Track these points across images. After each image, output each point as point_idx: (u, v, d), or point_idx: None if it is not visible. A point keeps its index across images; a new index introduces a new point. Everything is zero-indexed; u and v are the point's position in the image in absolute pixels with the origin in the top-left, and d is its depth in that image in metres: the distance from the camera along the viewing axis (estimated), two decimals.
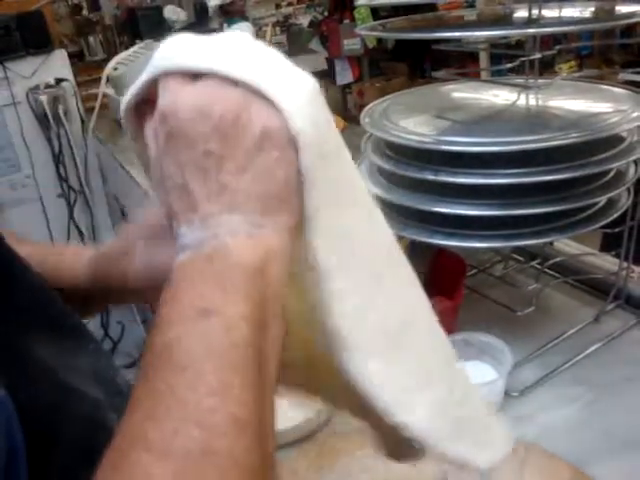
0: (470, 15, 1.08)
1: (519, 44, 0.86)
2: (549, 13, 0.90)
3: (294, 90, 0.35)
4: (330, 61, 5.30)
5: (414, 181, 0.81)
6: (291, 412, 0.79)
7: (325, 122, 0.37)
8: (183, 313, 0.32)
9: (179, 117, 0.34)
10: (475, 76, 2.21)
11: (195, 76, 0.35)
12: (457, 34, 0.80)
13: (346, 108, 5.18)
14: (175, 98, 0.35)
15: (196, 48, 0.36)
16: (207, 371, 0.30)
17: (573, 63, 3.68)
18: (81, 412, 0.41)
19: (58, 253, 0.54)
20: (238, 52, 0.36)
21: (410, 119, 0.87)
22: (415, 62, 4.76)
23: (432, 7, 2.68)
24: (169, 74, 0.36)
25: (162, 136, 0.35)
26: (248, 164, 0.34)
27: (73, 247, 0.56)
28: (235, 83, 0.35)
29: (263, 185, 0.35)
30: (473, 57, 3.37)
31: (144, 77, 0.37)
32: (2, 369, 0.35)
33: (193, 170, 0.34)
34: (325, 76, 5.75)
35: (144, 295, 0.49)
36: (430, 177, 0.77)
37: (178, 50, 0.37)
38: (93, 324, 2.51)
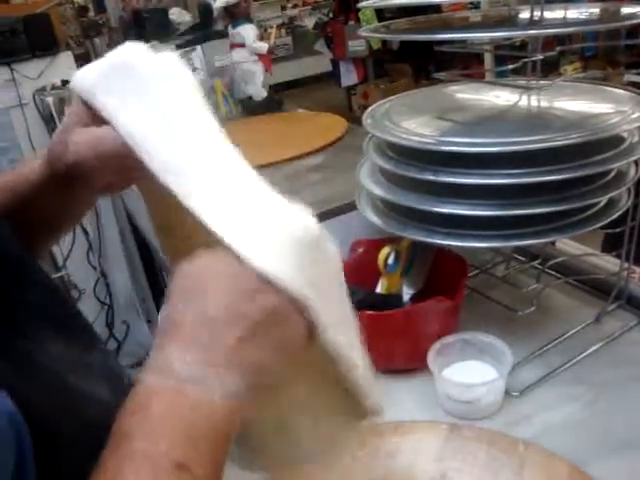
0: (475, 16, 1.09)
1: (523, 45, 0.87)
2: (554, 14, 0.91)
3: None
4: (335, 63, 5.33)
5: (415, 181, 0.81)
6: None
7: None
8: (160, 459, 0.33)
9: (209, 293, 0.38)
10: (479, 77, 2.21)
11: None
12: (458, 35, 0.80)
13: (351, 109, 5.19)
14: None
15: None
16: None
17: (578, 64, 3.68)
18: (88, 416, 0.41)
19: (10, 175, 0.54)
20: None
21: (412, 120, 0.88)
22: (419, 63, 4.77)
23: (437, 9, 2.69)
24: None
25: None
26: (254, 336, 0.37)
27: (19, 165, 0.56)
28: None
29: (270, 361, 0.38)
30: (478, 58, 3.38)
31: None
32: (10, 376, 0.35)
33: (221, 323, 0.37)
34: (330, 77, 5.77)
35: (97, 183, 0.49)
36: (430, 177, 0.77)
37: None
38: (98, 324, 2.53)
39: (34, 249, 0.55)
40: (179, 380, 0.35)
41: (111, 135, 0.45)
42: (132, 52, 0.46)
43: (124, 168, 0.47)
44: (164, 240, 0.57)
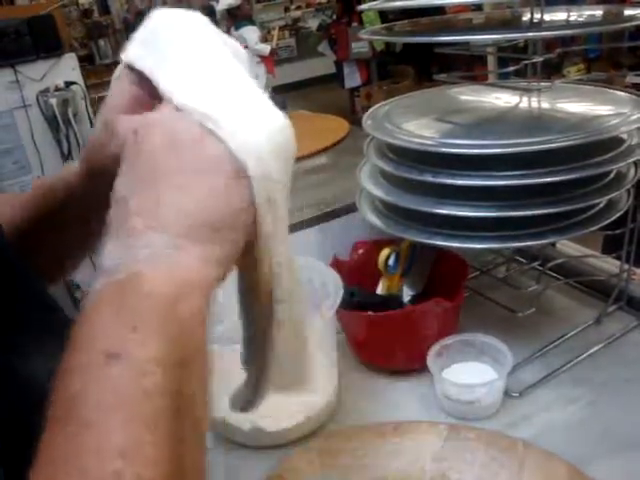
0: (478, 18, 1.09)
1: (526, 47, 0.87)
2: (556, 17, 0.91)
3: (248, 125, 0.35)
4: (338, 64, 5.34)
5: (416, 183, 0.81)
6: (291, 411, 0.79)
7: (283, 163, 0.36)
8: (89, 358, 0.29)
9: (147, 141, 0.34)
10: (481, 79, 2.21)
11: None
12: (456, 38, 0.80)
13: (354, 111, 5.19)
14: (147, 121, 0.36)
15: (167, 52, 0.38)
16: (114, 428, 0.27)
17: (581, 66, 3.68)
18: None
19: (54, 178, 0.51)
20: (207, 78, 0.37)
21: (412, 122, 0.88)
22: (423, 65, 4.77)
23: (441, 10, 2.69)
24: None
25: (131, 154, 0.35)
26: (194, 184, 0.33)
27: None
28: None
29: (201, 210, 0.33)
30: (481, 60, 3.38)
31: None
32: None
33: (138, 182, 0.33)
34: (333, 79, 5.77)
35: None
36: (430, 179, 0.78)
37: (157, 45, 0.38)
38: None
39: (69, 259, 0.54)
40: (106, 273, 0.31)
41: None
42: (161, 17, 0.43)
43: None
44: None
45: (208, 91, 0.36)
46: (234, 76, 0.38)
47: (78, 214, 0.49)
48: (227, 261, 0.34)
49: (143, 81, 0.40)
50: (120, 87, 0.42)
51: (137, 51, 0.41)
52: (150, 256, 0.31)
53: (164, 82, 0.37)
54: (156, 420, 0.28)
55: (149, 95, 0.40)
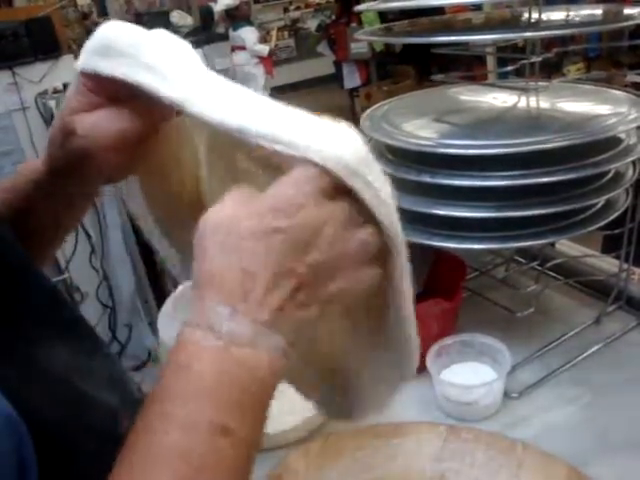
0: (477, 18, 1.09)
1: (525, 47, 0.87)
2: (556, 16, 0.91)
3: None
4: (338, 65, 5.34)
5: (414, 183, 0.81)
6: (291, 412, 0.79)
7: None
8: (196, 420, 0.32)
9: (301, 226, 0.35)
10: (480, 79, 2.21)
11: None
12: (453, 38, 0.80)
13: (353, 112, 5.18)
14: (304, 204, 0.35)
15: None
16: None
17: (581, 65, 3.67)
18: (95, 423, 0.41)
19: (14, 175, 0.54)
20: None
21: (410, 122, 0.88)
22: (422, 65, 4.77)
23: (440, 10, 2.69)
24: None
25: (273, 224, 0.35)
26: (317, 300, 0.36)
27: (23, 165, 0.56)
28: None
29: (308, 313, 0.36)
30: (480, 60, 3.37)
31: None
32: (14, 380, 0.35)
33: (278, 277, 0.34)
34: (333, 79, 5.77)
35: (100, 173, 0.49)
36: (427, 180, 0.78)
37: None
38: (100, 327, 2.53)
39: (39, 252, 0.54)
40: (224, 336, 0.33)
41: (115, 113, 0.45)
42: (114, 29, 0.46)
43: (128, 147, 0.46)
44: (167, 231, 0.56)
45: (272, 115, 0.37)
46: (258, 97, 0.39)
47: (46, 208, 0.51)
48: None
49: (100, 87, 0.44)
50: (77, 92, 0.46)
51: (98, 59, 0.44)
52: (269, 348, 0.34)
53: (172, 94, 0.38)
54: None
55: (107, 99, 0.44)
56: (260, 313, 0.34)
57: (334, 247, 0.36)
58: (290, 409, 0.79)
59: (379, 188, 0.37)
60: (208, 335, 0.33)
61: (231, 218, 0.35)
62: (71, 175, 0.48)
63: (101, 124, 0.45)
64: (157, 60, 0.41)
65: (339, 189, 0.36)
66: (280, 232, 0.34)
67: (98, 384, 0.44)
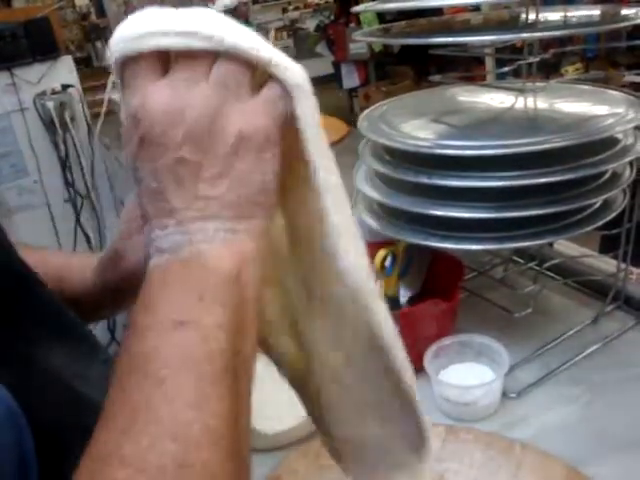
0: (476, 19, 1.09)
1: (523, 47, 0.87)
2: (553, 16, 0.91)
3: (285, 58, 0.36)
4: (336, 65, 5.33)
5: (411, 184, 0.81)
6: (290, 412, 0.79)
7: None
8: (160, 323, 0.32)
9: (150, 122, 0.33)
10: (478, 79, 2.21)
11: (165, 58, 0.34)
12: (452, 39, 0.80)
13: (352, 112, 5.18)
14: (145, 99, 0.34)
15: (168, 22, 0.34)
16: (184, 383, 0.31)
17: (579, 65, 3.67)
18: (90, 423, 0.41)
19: (64, 263, 0.56)
20: (215, 23, 0.35)
21: (408, 123, 0.88)
22: (421, 66, 4.76)
23: (438, 11, 2.68)
24: (137, 57, 0.34)
25: (135, 139, 0.34)
26: (223, 171, 0.34)
27: (78, 255, 0.58)
28: (209, 62, 0.34)
29: (238, 191, 0.34)
30: (479, 61, 3.37)
31: (112, 62, 0.35)
32: (16, 380, 0.35)
33: (167, 176, 0.34)
34: (331, 80, 5.77)
35: None
36: (425, 180, 0.78)
37: (145, 24, 0.35)
38: (100, 328, 2.53)
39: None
40: (167, 252, 0.33)
41: None
42: None
43: None
44: None
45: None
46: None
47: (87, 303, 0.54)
48: (266, 228, 0.36)
49: None
50: (127, 213, 0.49)
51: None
52: (206, 238, 0.33)
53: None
54: (220, 378, 0.32)
55: None
56: (180, 215, 0.33)
57: (209, 107, 0.34)
58: (289, 410, 0.79)
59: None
60: (157, 257, 0.34)
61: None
62: (119, 291, 0.52)
63: (138, 249, 0.48)
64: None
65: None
66: (142, 139, 0.34)
67: (95, 387, 0.44)
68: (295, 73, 0.35)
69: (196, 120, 0.33)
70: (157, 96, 0.34)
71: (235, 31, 0.35)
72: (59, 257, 0.61)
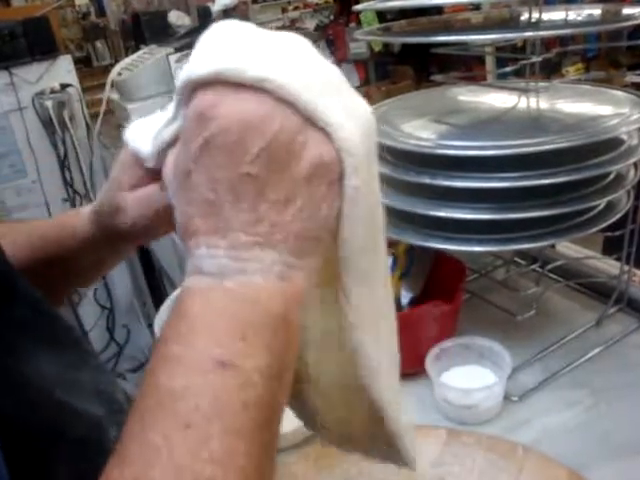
0: (476, 18, 1.08)
1: (524, 47, 0.86)
2: (554, 16, 0.90)
3: (351, 119, 0.32)
4: (336, 65, 5.32)
5: (413, 185, 0.81)
6: (289, 416, 0.78)
7: (375, 158, 0.35)
8: (196, 360, 0.29)
9: (223, 125, 0.30)
10: (479, 79, 2.21)
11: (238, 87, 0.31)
12: (454, 38, 0.80)
13: None
14: (220, 101, 0.31)
15: (245, 53, 0.32)
16: (212, 434, 0.28)
17: (580, 65, 3.67)
18: (77, 433, 0.40)
19: (56, 224, 0.53)
20: (293, 63, 0.32)
21: (409, 123, 0.87)
22: (421, 65, 4.76)
23: (439, 10, 2.69)
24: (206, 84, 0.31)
25: (199, 140, 0.31)
26: (291, 196, 0.31)
27: (65, 215, 0.55)
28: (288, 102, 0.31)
29: (304, 222, 0.31)
30: (480, 60, 3.37)
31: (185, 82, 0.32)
32: None
33: (228, 190, 0.31)
34: None
35: (146, 237, 0.48)
36: (427, 181, 0.77)
37: (217, 54, 0.32)
38: (98, 328, 2.53)
39: (59, 294, 0.55)
40: (211, 276, 0.31)
41: (155, 190, 0.43)
42: None
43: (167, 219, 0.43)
44: None
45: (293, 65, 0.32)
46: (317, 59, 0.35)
47: (90, 257, 0.51)
48: (318, 269, 0.34)
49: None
50: (123, 164, 0.44)
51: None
52: (261, 271, 0.31)
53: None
54: (251, 432, 0.29)
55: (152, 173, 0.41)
56: (235, 237, 0.31)
57: (292, 123, 0.31)
58: (288, 413, 0.78)
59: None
60: (198, 279, 0.31)
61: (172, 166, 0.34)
62: (115, 240, 0.48)
63: (143, 202, 0.44)
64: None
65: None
66: (208, 142, 0.31)
67: (83, 395, 0.43)
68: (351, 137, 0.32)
69: (277, 135, 0.30)
70: (235, 101, 0.31)
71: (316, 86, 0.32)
72: (46, 222, 0.57)
